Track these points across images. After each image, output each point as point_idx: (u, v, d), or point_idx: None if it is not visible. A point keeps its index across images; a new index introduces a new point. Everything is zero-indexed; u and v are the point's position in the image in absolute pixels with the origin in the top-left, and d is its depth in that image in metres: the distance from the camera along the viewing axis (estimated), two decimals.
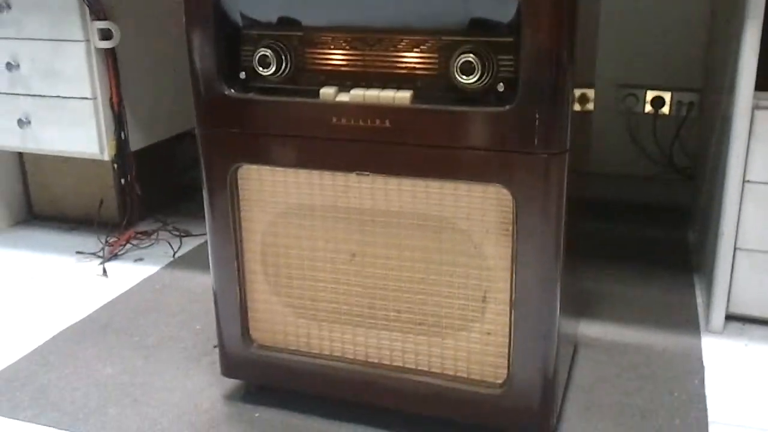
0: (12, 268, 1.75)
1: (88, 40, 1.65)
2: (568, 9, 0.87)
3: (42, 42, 1.67)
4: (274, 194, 1.05)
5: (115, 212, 1.94)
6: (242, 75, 1.03)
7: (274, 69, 1.00)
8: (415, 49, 0.97)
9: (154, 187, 1.96)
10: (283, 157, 1.02)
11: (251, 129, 1.03)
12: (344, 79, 1.00)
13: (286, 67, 1.01)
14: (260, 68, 1.01)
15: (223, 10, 1.01)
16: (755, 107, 1.29)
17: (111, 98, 1.70)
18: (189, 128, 1.95)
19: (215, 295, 1.12)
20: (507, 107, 0.91)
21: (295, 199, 1.04)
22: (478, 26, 0.92)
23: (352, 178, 1.01)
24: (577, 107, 0.95)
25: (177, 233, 1.90)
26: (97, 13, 1.62)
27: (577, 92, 0.94)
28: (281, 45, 1.01)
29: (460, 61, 0.91)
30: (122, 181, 1.79)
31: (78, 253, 1.81)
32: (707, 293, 1.45)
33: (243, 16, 1.02)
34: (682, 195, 2.01)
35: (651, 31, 1.93)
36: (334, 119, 0.98)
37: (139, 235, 1.86)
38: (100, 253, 1.79)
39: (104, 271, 1.71)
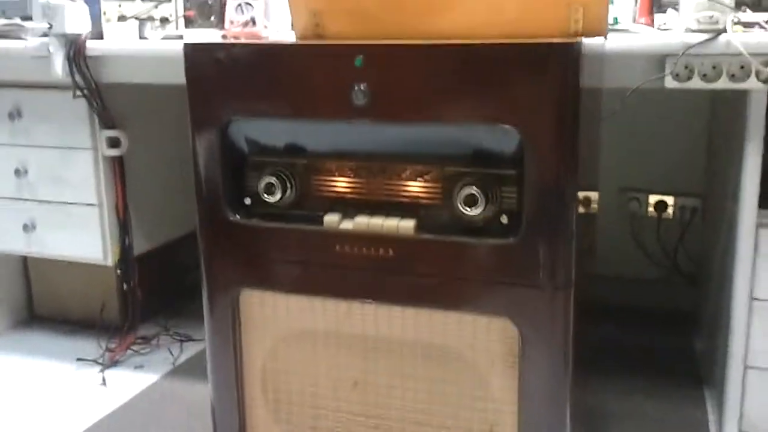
0: (11, 375, 1.73)
1: (96, 148, 1.67)
2: (569, 144, 0.88)
3: (51, 149, 1.69)
4: (276, 319, 1.04)
5: (117, 315, 1.92)
6: (247, 201, 1.04)
7: (279, 196, 1.00)
8: (419, 179, 0.97)
9: (155, 288, 1.95)
10: (285, 283, 1.02)
11: (255, 254, 1.02)
12: (348, 206, 1.00)
13: (290, 193, 1.02)
14: (265, 195, 1.01)
15: (229, 137, 1.02)
16: (759, 225, 1.29)
17: (116, 205, 1.71)
18: (191, 230, 1.96)
19: (214, 420, 1.09)
20: (511, 239, 0.91)
21: (297, 324, 1.03)
22: (481, 158, 0.93)
23: (356, 304, 1.00)
24: (581, 209, 0.95)
25: (178, 338, 1.88)
26: (106, 122, 1.64)
27: (581, 195, 0.94)
28: (286, 171, 1.02)
29: (464, 194, 0.92)
30: (124, 286, 1.78)
31: (78, 360, 1.78)
32: (718, 410, 1.42)
33: (249, 142, 1.03)
34: (687, 299, 1.99)
35: (653, 137, 1.96)
36: (338, 247, 0.98)
37: (139, 341, 1.84)
38: (101, 360, 1.76)
39: (104, 380, 1.68)
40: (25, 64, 1.61)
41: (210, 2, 1.85)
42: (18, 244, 1.78)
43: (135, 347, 1.83)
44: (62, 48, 1.53)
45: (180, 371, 1.72)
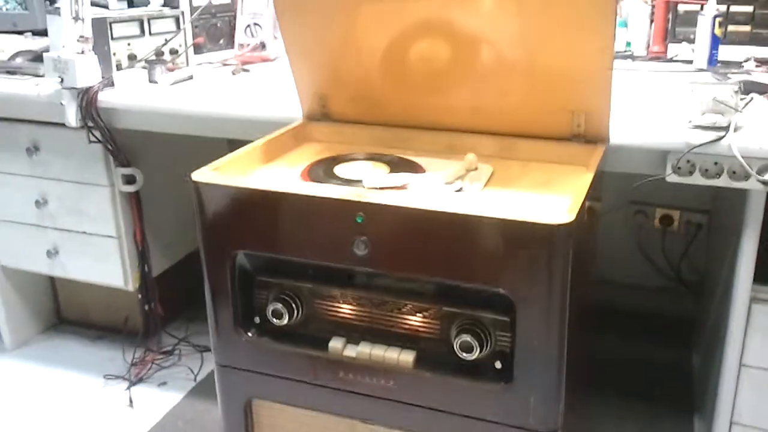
0: (40, 388, 1.85)
1: (112, 185, 1.71)
2: (559, 309, 0.92)
3: (69, 183, 1.74)
4: (285, 428, 1.12)
5: (140, 323, 2.01)
6: (257, 320, 1.10)
7: (286, 321, 1.06)
8: (418, 314, 1.02)
9: (174, 299, 2.04)
10: (292, 398, 1.09)
11: (264, 369, 1.09)
12: (352, 331, 1.06)
13: (297, 315, 1.07)
14: (274, 320, 1.07)
15: (238, 260, 1.07)
16: (753, 300, 1.33)
17: (135, 236, 1.77)
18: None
19: None
20: (503, 384, 0.97)
21: None
22: (478, 301, 0.98)
23: (360, 424, 1.07)
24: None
25: (198, 349, 1.98)
26: (121, 161, 1.68)
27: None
28: (293, 294, 1.07)
29: (460, 340, 0.97)
30: (146, 307, 1.87)
31: (106, 377, 1.89)
32: None
33: (256, 265, 1.08)
34: (688, 308, 2.05)
35: None
36: (342, 373, 1.04)
37: (161, 356, 1.95)
38: (127, 375, 1.87)
39: (131, 401, 1.79)
40: (40, 105, 1.63)
41: (219, 24, 1.85)
42: (42, 267, 1.87)
43: (157, 360, 1.94)
44: (74, 99, 1.55)
45: (202, 389, 1.82)
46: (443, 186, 1.08)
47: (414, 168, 1.16)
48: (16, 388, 1.89)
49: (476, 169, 1.15)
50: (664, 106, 1.39)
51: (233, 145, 2.12)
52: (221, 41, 1.89)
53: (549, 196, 1.06)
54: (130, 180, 1.71)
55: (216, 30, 1.88)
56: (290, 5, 1.22)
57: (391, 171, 1.14)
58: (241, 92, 1.58)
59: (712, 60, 1.65)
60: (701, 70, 1.65)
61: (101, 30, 1.59)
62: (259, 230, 1.02)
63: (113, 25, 1.61)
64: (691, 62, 1.68)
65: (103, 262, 1.79)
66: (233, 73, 1.73)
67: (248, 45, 1.87)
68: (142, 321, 1.95)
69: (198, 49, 1.82)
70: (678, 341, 1.97)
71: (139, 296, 1.85)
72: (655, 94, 1.47)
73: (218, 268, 1.06)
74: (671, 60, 1.75)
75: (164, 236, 1.91)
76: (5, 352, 2.04)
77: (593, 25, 1.05)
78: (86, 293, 2.10)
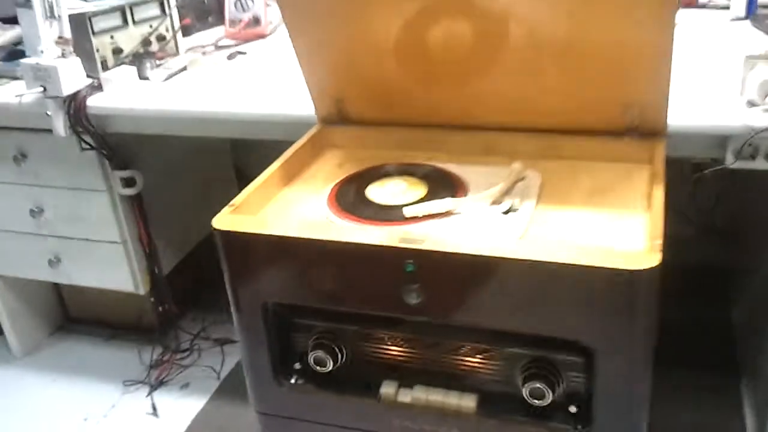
0: (55, 398, 1.77)
1: (111, 189, 1.59)
2: (641, 354, 0.83)
3: (64, 190, 1.62)
4: None
5: (152, 318, 1.93)
6: (297, 365, 1.00)
7: (330, 367, 0.97)
8: (478, 355, 0.93)
9: (187, 293, 1.95)
10: None
11: (309, 417, 1.01)
12: (405, 374, 0.97)
13: (341, 359, 0.98)
14: (316, 367, 0.98)
15: (275, 307, 0.97)
16: None
17: (140, 238, 1.66)
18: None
19: None
20: (579, 429, 0.89)
21: None
22: (546, 341, 0.89)
23: None
24: None
25: (217, 342, 1.90)
26: (118, 163, 1.56)
27: None
28: (335, 337, 0.98)
29: (529, 388, 0.88)
30: (160, 308, 1.78)
31: (125, 384, 1.81)
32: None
33: (293, 309, 0.98)
34: (724, 257, 1.97)
35: None
36: (396, 421, 0.96)
37: (180, 354, 1.87)
38: (147, 380, 1.80)
39: (154, 408, 1.72)
40: (23, 113, 1.49)
41: (205, 0, 1.69)
42: (44, 275, 1.76)
43: (177, 360, 1.86)
44: (61, 108, 1.41)
45: (227, 389, 1.75)
46: (491, 208, 0.97)
47: (454, 183, 1.04)
48: (30, 399, 1.81)
49: (524, 179, 1.03)
50: (707, 72, 1.26)
51: (237, 141, 2.01)
52: (210, 18, 1.73)
53: (617, 214, 0.95)
54: (129, 183, 1.58)
55: (203, 7, 1.72)
56: (297, 6, 1.07)
57: (429, 188, 1.02)
58: (242, 83, 1.45)
59: (752, 6, 1.51)
60: (739, 18, 1.51)
61: (80, 26, 1.43)
62: (291, 280, 0.92)
63: (93, 19, 1.45)
64: (727, 8, 1.54)
65: (110, 268, 1.68)
66: (229, 58, 1.58)
67: (240, 21, 1.71)
68: (157, 320, 1.85)
69: (186, 30, 1.67)
70: (713, 296, 1.90)
71: (152, 299, 1.76)
72: (693, 55, 1.33)
73: (250, 318, 0.95)
74: (703, 6, 1.61)
75: (171, 233, 1.80)
76: (14, 361, 1.96)
77: None
78: (93, 291, 2.00)
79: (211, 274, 2.03)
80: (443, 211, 0.96)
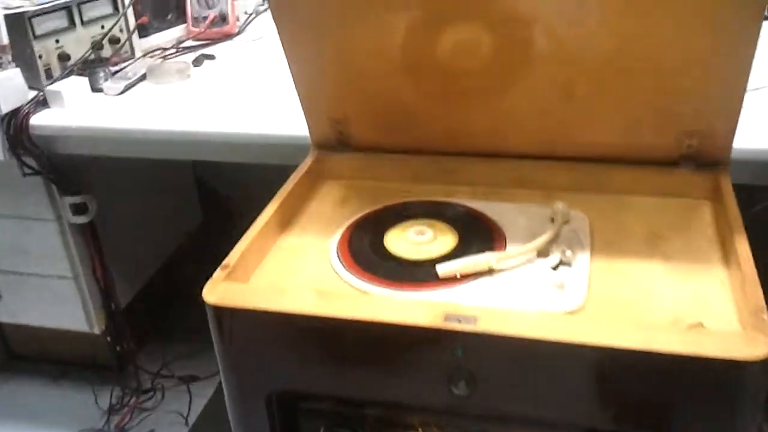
0: None
1: (60, 218, 1.38)
2: None
3: (4, 219, 1.40)
4: None
5: (107, 352, 1.72)
6: None
7: None
8: None
9: (146, 327, 1.74)
10: None
11: None
12: None
13: None
14: None
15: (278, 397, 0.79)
16: None
17: (95, 272, 1.45)
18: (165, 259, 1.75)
19: None
20: None
21: None
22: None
23: None
24: None
25: (182, 380, 1.70)
26: (67, 188, 1.34)
27: None
28: (354, 424, 0.80)
29: None
30: (117, 348, 1.57)
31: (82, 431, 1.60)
32: None
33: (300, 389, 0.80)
34: None
35: None
36: None
37: (142, 396, 1.66)
38: (105, 427, 1.59)
39: None
40: None
41: None
42: None
43: (138, 403, 1.66)
44: None
45: None
46: (538, 261, 0.80)
47: (488, 227, 0.87)
48: None
49: (568, 221, 0.87)
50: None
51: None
52: (169, 16, 1.52)
53: (688, 269, 0.79)
54: (80, 209, 1.37)
55: (161, 3, 1.50)
56: (292, 12, 0.88)
57: (460, 235, 0.85)
58: (212, 94, 1.25)
59: None
60: None
61: (19, 29, 1.21)
62: (307, 366, 0.73)
63: (33, 20, 1.23)
64: None
65: (60, 305, 1.47)
66: (195, 64, 1.38)
67: (204, 18, 1.50)
68: (115, 359, 1.65)
69: (143, 30, 1.45)
70: None
71: (108, 339, 1.55)
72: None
73: (250, 411, 0.77)
74: None
75: (128, 262, 1.59)
76: None
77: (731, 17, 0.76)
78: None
79: (169, 302, 1.87)
80: (484, 269, 0.78)
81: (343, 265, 0.82)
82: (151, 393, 1.69)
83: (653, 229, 0.87)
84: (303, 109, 0.98)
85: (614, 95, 0.89)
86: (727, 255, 0.80)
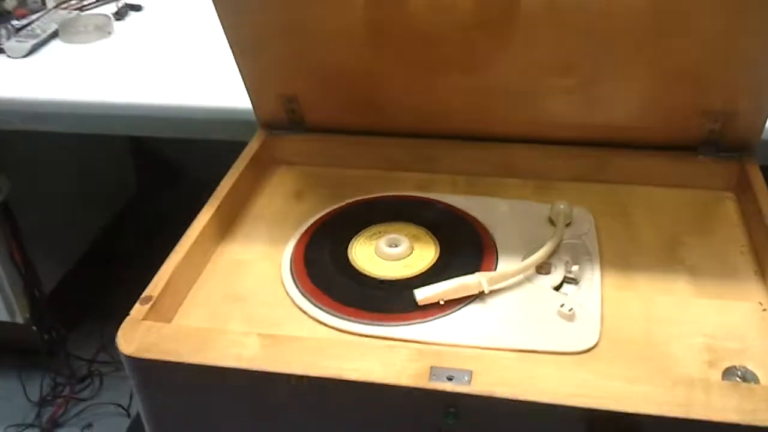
0: None
1: None
2: None
3: None
4: None
5: (34, 336, 1.53)
6: None
7: None
8: None
9: (73, 312, 1.57)
10: None
11: None
12: None
13: None
14: None
15: None
16: None
17: (12, 257, 1.27)
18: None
19: None
20: None
21: None
22: None
23: None
24: None
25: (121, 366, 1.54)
26: None
27: None
28: None
29: None
30: (45, 336, 1.40)
31: (8, 428, 1.44)
32: None
33: None
34: None
35: None
36: None
37: (78, 385, 1.50)
38: (37, 422, 1.43)
39: None
40: None
41: None
42: None
43: (73, 393, 1.49)
44: None
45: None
46: (538, 279, 0.65)
47: (474, 231, 0.72)
48: None
49: (570, 223, 0.72)
50: None
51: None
52: None
53: (716, 285, 0.66)
54: None
55: None
56: None
57: (441, 244, 0.70)
58: (137, 56, 1.05)
59: None
60: None
61: None
62: (247, 429, 0.58)
63: None
64: None
65: None
66: (117, 17, 1.17)
67: None
68: (43, 347, 1.47)
69: None
70: None
71: (34, 327, 1.37)
72: None
73: None
74: None
75: (52, 243, 1.41)
76: None
77: None
78: None
79: (107, 279, 1.69)
80: (473, 293, 0.63)
81: (297, 285, 0.66)
82: (88, 381, 1.53)
83: (671, 233, 0.73)
84: (245, 84, 0.80)
85: (624, 68, 0.73)
86: (763, 267, 0.66)
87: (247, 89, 0.80)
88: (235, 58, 0.77)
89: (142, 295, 0.61)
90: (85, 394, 1.50)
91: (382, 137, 0.83)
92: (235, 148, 0.81)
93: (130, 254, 1.69)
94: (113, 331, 0.58)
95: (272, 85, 0.80)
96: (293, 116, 0.83)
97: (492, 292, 0.64)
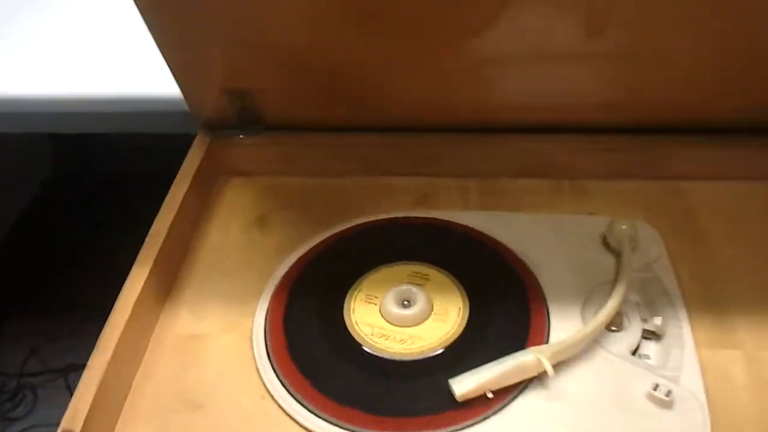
0: None
1: None
2: None
3: None
4: None
5: None
6: None
7: None
8: None
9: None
10: None
11: None
12: None
13: None
14: None
15: None
16: None
17: None
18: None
19: None
20: None
21: None
22: None
23: None
24: None
25: (59, 373, 1.34)
26: None
27: None
28: None
29: None
30: None
31: None
32: None
33: None
34: None
35: None
36: None
37: (7, 403, 1.30)
38: None
39: None
40: None
41: None
42: None
43: (6, 414, 1.30)
44: None
45: None
46: (609, 343, 0.48)
47: (512, 270, 0.53)
48: None
49: (635, 247, 0.54)
50: None
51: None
52: None
53: None
54: None
55: None
56: None
57: (469, 295, 0.51)
58: (47, 32, 0.82)
59: None
60: None
61: None
62: None
63: None
64: None
65: None
66: None
67: None
68: None
69: None
70: None
71: None
72: None
73: None
74: None
75: None
76: None
77: None
78: None
79: (29, 272, 1.45)
80: (528, 377, 0.46)
81: (278, 374, 0.47)
82: (19, 396, 1.32)
83: (756, 248, 0.55)
84: (176, 78, 0.58)
85: (681, 22, 0.54)
86: None
87: (178, 83, 0.59)
88: (159, 48, 0.55)
89: (60, 428, 0.41)
90: (17, 412, 1.30)
91: (364, 133, 0.62)
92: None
93: (53, 240, 1.46)
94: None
95: (213, 79, 0.58)
96: (246, 114, 0.61)
97: (555, 371, 0.46)
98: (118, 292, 0.49)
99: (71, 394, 0.57)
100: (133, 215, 0.70)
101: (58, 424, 0.67)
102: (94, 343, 0.47)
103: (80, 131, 0.75)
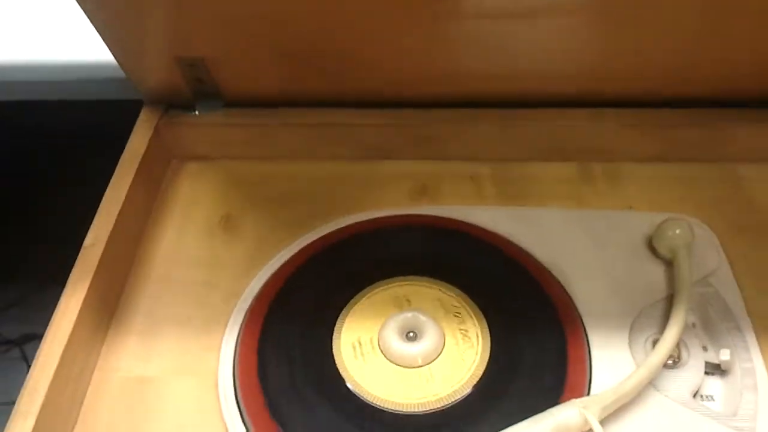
0: None
1: None
2: None
3: None
4: None
5: None
6: None
7: None
8: None
9: None
10: None
11: None
12: None
13: None
14: None
15: None
16: None
17: None
18: None
19: None
20: None
21: None
22: None
23: None
24: None
25: (14, 343, 1.23)
26: None
27: None
28: None
29: None
30: None
31: None
32: None
33: None
34: None
35: None
36: None
37: None
38: None
39: None
40: None
41: None
42: None
43: None
44: None
45: None
46: (667, 384, 0.38)
47: (540, 288, 0.43)
48: None
49: (692, 239, 0.44)
50: None
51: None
52: None
53: None
54: None
55: None
56: None
57: (490, 322, 0.41)
58: None
59: None
60: None
61: None
62: None
63: None
64: None
65: None
66: None
67: None
68: None
69: None
70: None
71: None
72: None
73: None
74: None
75: None
76: None
77: None
78: None
79: None
80: None
81: None
82: None
83: None
84: (111, 50, 0.45)
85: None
86: None
87: (115, 56, 0.46)
88: (86, 14, 0.42)
89: None
90: None
91: (348, 109, 0.51)
92: None
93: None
94: None
95: (165, 46, 0.46)
96: (201, 86, 0.49)
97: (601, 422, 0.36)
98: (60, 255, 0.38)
99: (28, 365, 0.47)
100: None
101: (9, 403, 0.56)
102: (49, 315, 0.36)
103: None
